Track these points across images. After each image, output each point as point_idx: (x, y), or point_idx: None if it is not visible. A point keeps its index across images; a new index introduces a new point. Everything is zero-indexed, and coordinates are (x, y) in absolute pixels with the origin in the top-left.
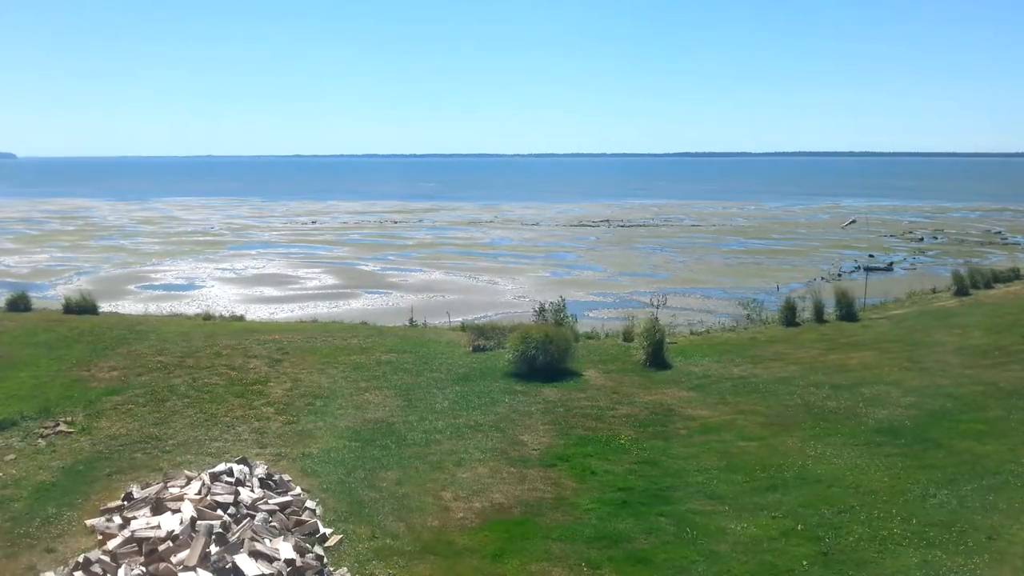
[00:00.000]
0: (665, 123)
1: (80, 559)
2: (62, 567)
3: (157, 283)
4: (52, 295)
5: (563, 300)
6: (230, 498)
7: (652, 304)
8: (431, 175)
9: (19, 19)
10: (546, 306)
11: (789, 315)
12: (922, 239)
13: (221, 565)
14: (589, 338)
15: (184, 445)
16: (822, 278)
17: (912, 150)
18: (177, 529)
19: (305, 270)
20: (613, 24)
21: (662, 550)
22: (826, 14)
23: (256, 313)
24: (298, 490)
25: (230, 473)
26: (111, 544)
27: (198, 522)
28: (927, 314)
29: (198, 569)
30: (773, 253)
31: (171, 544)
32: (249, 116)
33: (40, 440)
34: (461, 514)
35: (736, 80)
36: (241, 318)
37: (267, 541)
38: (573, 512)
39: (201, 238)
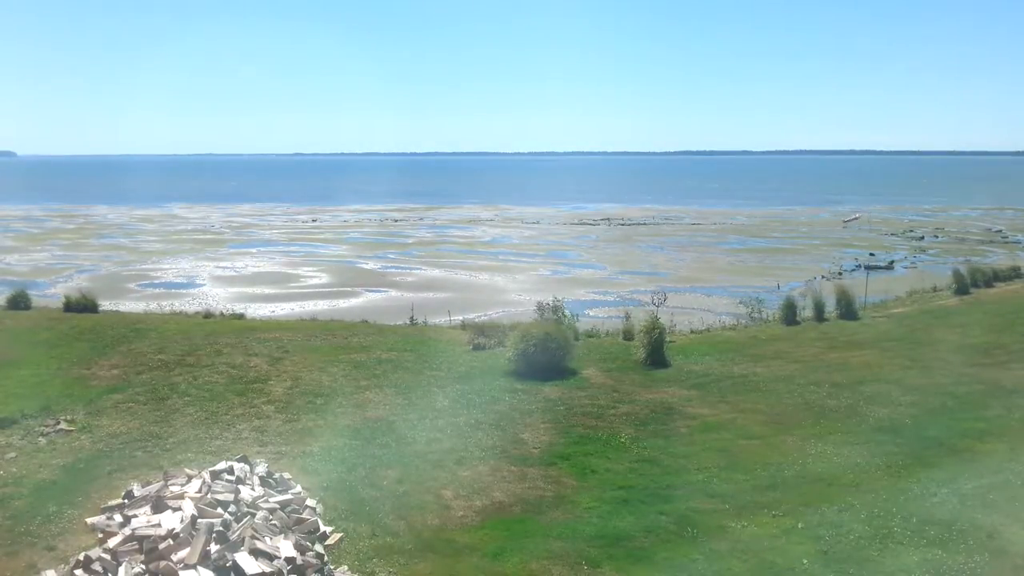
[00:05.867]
0: (666, 122)
1: (81, 557)
2: (63, 565)
3: (157, 281)
4: (52, 293)
5: (562, 299)
6: (231, 496)
7: (652, 302)
8: (431, 175)
9: (20, 18)
10: (546, 304)
11: (790, 314)
12: (923, 238)
13: (222, 563)
14: (589, 336)
15: (184, 443)
16: (823, 276)
17: (914, 148)
18: (178, 527)
19: (305, 268)
20: (614, 23)
21: (662, 548)
22: (827, 12)
23: (256, 311)
24: (298, 488)
25: (231, 471)
26: (112, 542)
27: (199, 520)
28: (928, 313)
29: (199, 567)
30: (774, 252)
31: (172, 542)
32: (250, 115)
33: (41, 438)
34: (461, 512)
35: (737, 78)
36: (241, 316)
37: (267, 539)
38: (573, 510)
39: (201, 236)
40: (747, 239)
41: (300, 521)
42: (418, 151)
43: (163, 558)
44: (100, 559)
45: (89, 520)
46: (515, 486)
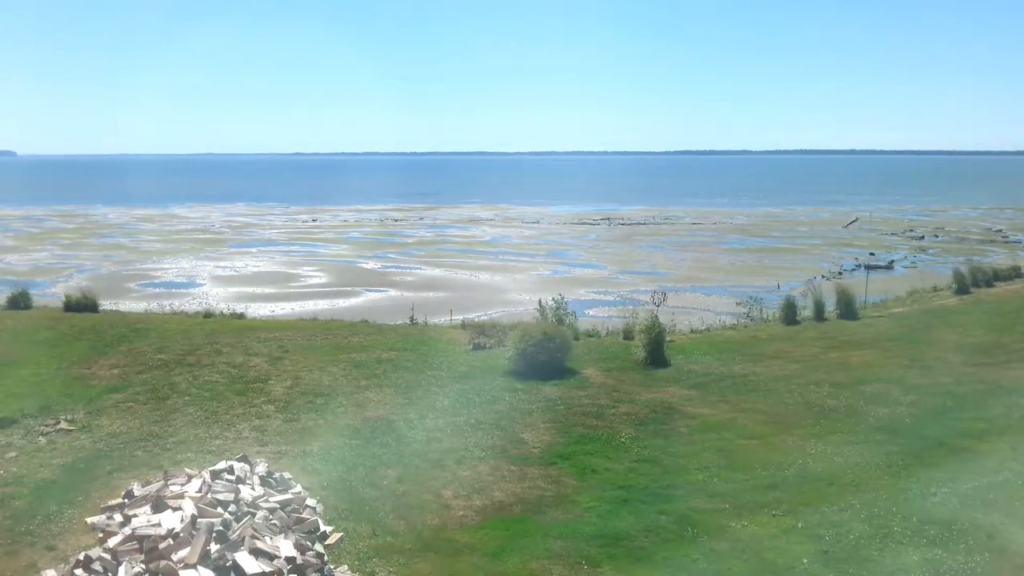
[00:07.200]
0: (666, 122)
1: (81, 557)
2: (63, 565)
3: (158, 281)
4: (53, 293)
5: (563, 298)
6: (231, 496)
7: (652, 302)
8: (431, 175)
9: (20, 17)
10: (546, 304)
11: (790, 313)
12: (923, 237)
13: (222, 563)
14: (589, 336)
15: (185, 443)
16: (823, 276)
17: (914, 148)
18: (178, 527)
19: (305, 268)
20: (614, 22)
21: (662, 548)
22: (827, 12)
23: (256, 311)
24: (299, 488)
25: (231, 471)
26: (112, 542)
27: (199, 520)
28: (928, 312)
29: (199, 567)
30: (774, 251)
31: (172, 542)
32: (250, 114)
33: (41, 438)
34: (461, 512)
35: (737, 78)
36: (242, 316)
37: (268, 539)
38: (573, 510)
39: (201, 236)
40: (747, 239)
41: (300, 521)
42: (418, 151)
43: (163, 558)
44: (100, 559)
45: (89, 520)
46: (515, 486)
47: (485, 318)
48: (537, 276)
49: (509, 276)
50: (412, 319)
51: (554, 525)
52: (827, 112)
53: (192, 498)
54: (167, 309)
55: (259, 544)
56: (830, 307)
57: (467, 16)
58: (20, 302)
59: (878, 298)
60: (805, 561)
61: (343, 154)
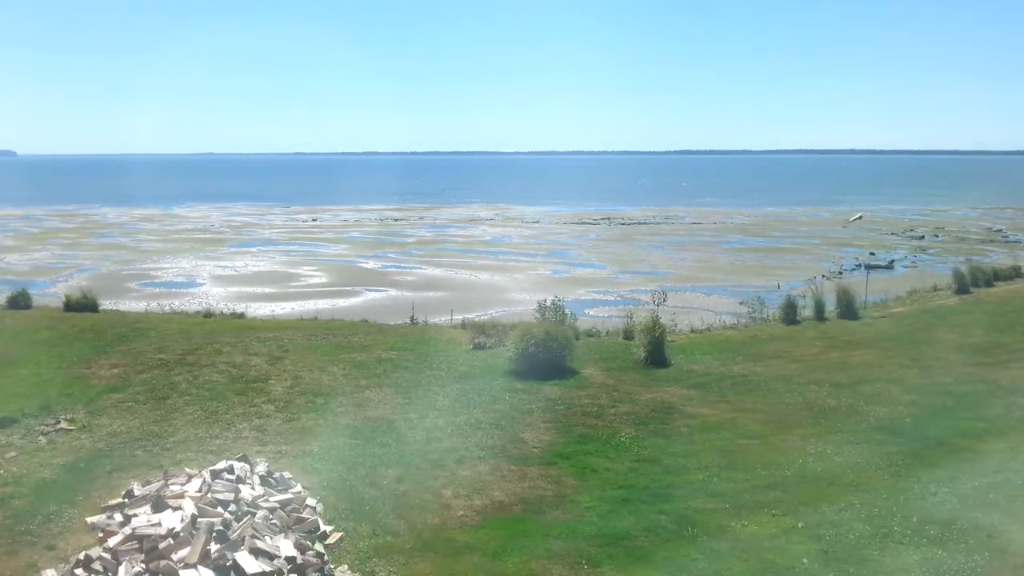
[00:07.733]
0: (666, 121)
1: (81, 556)
2: (63, 564)
3: (158, 281)
4: (53, 293)
5: (563, 298)
6: (231, 496)
7: (653, 302)
8: (431, 174)
9: (20, 18)
10: (546, 304)
11: (790, 313)
12: (923, 237)
13: (222, 563)
14: (590, 336)
15: (185, 442)
16: (823, 276)
17: (914, 148)
18: (178, 527)
19: (305, 267)
20: (615, 22)
21: (662, 548)
22: (827, 11)
23: (256, 311)
24: (299, 487)
25: (231, 470)
26: (112, 541)
27: (199, 520)
28: (928, 312)
29: (199, 567)
30: (774, 251)
31: (172, 542)
32: (250, 114)
33: (41, 437)
34: (461, 512)
35: (737, 78)
36: (242, 316)
37: (268, 539)
38: (574, 510)
39: (201, 236)
40: (747, 238)
41: (300, 520)
42: (418, 150)
43: (163, 557)
44: (100, 558)
45: (89, 519)
46: (515, 485)
47: (485, 318)
48: (537, 276)
49: (509, 276)
50: (412, 319)
51: (554, 525)
52: (827, 112)
53: (192, 498)
54: (167, 309)
55: (259, 544)
56: (830, 307)
57: (467, 16)
58: (20, 302)
59: (878, 298)
60: (805, 561)
61: (343, 154)
